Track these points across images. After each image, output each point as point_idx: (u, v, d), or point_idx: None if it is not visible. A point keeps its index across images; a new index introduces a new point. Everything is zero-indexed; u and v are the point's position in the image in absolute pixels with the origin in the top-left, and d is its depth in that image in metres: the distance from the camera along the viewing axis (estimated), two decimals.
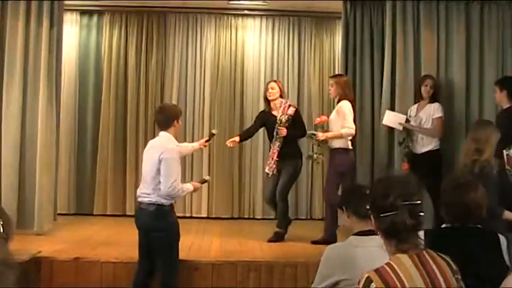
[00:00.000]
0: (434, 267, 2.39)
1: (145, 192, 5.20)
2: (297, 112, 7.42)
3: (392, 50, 7.78)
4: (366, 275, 2.36)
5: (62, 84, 8.28)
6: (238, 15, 9.75)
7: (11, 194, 7.25)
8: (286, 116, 7.19)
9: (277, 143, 7.17)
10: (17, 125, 7.41)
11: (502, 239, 3.43)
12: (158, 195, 5.11)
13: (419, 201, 2.42)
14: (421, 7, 7.77)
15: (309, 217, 9.31)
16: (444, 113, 7.27)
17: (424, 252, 2.42)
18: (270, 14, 9.72)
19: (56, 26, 7.66)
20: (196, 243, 6.92)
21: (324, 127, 7.17)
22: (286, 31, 9.78)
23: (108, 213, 9.30)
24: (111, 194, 9.39)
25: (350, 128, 7.03)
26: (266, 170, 7.27)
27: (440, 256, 2.45)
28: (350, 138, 7.16)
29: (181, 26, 9.70)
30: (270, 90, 7.36)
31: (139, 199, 5.26)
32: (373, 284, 2.33)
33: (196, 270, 5.95)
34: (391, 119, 7.43)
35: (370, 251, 3.21)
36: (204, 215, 9.43)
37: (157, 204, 5.13)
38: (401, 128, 7.29)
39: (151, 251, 5.21)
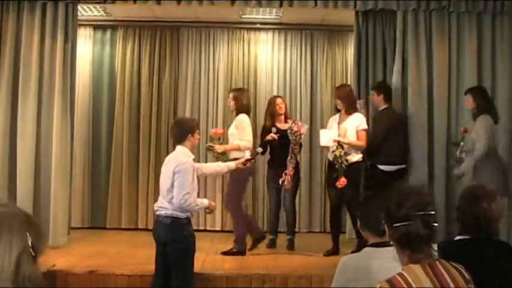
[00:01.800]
0: (447, 276, 2.38)
1: (162, 206, 5.23)
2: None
3: (404, 61, 7.80)
4: (378, 286, 2.38)
5: (76, 98, 8.35)
6: (251, 28, 9.79)
7: (26, 208, 7.22)
8: (301, 136, 7.31)
9: (293, 161, 7.31)
10: (32, 140, 7.47)
11: None
12: (173, 208, 5.14)
13: (433, 212, 2.41)
14: (433, 19, 7.78)
15: (322, 230, 9.26)
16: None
17: (437, 262, 2.42)
18: (282, 27, 9.76)
19: (70, 41, 7.74)
20: (211, 256, 6.93)
21: (221, 139, 7.26)
22: (299, 44, 9.81)
23: (122, 226, 9.32)
24: (125, 208, 9.42)
25: (248, 141, 7.28)
26: (285, 184, 7.29)
27: (452, 265, 2.45)
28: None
29: (194, 40, 9.75)
30: (281, 105, 7.67)
31: (157, 212, 5.30)
32: None
33: (210, 282, 5.95)
34: (326, 137, 7.26)
35: (385, 262, 3.20)
36: (218, 228, 9.43)
37: (173, 217, 5.15)
38: (336, 144, 7.06)
39: (167, 264, 5.22)
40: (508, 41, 7.77)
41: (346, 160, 6.96)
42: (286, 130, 7.34)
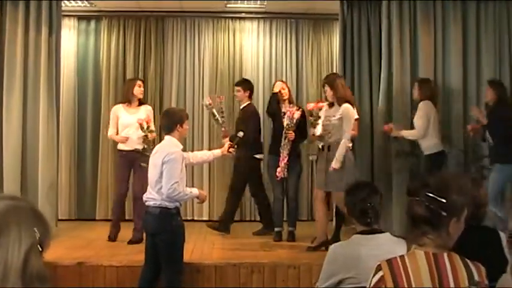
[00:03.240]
0: (449, 270, 2.35)
1: (151, 196, 5.23)
2: (303, 113, 7.42)
3: (389, 50, 7.82)
4: (378, 263, 2.41)
5: (61, 90, 8.31)
6: (236, 18, 9.78)
7: None
8: (294, 120, 7.24)
9: (287, 147, 7.23)
10: (18, 132, 7.46)
11: (502, 236, 3.46)
12: (162, 198, 5.13)
13: (443, 200, 2.37)
14: (417, 7, 7.80)
15: (310, 218, 9.29)
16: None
17: (445, 253, 2.39)
18: (267, 16, 9.74)
19: (55, 33, 7.70)
20: (199, 246, 6.94)
21: (150, 128, 7.29)
22: (284, 33, 9.81)
23: (110, 218, 9.27)
24: (111, 199, 9.38)
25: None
26: (280, 175, 7.20)
27: (465, 262, 2.40)
28: None
29: (179, 29, 9.73)
30: (282, 91, 7.64)
31: (146, 203, 5.29)
32: (381, 272, 2.37)
33: (199, 272, 5.97)
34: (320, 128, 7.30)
35: (373, 249, 3.25)
36: (206, 218, 9.44)
37: (162, 207, 5.14)
38: None
39: (157, 254, 5.23)
40: (492, 29, 7.82)
41: None
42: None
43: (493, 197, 6.43)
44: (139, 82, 7.58)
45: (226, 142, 6.36)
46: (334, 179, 6.57)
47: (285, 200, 7.75)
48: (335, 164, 6.52)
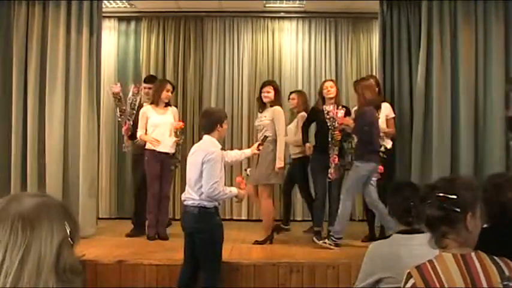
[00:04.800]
0: (479, 269, 2.34)
1: (190, 196, 5.24)
2: (348, 112, 7.45)
3: (429, 49, 7.71)
4: (408, 271, 2.40)
5: (102, 90, 8.40)
6: (275, 17, 9.79)
7: None
8: (334, 119, 7.21)
9: (336, 147, 7.20)
10: (59, 132, 7.55)
11: None
12: (201, 197, 5.14)
13: (454, 196, 2.39)
14: (458, 6, 7.68)
15: (350, 218, 9.20)
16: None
17: (472, 253, 2.38)
18: (306, 15, 9.74)
19: (96, 34, 7.78)
20: (238, 245, 6.95)
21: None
22: (323, 32, 9.79)
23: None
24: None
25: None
26: (333, 176, 7.23)
27: (493, 259, 2.39)
28: None
29: (218, 29, 9.77)
30: (331, 89, 7.56)
31: (185, 202, 5.31)
32: (412, 279, 2.35)
33: (237, 271, 5.97)
34: None
35: (414, 249, 3.21)
36: (244, 217, 9.46)
37: (201, 207, 5.15)
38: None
39: (195, 253, 5.25)
40: None
41: (383, 150, 7.11)
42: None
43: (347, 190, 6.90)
44: (168, 87, 7.64)
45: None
46: (262, 173, 7.06)
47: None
48: (277, 163, 7.06)
